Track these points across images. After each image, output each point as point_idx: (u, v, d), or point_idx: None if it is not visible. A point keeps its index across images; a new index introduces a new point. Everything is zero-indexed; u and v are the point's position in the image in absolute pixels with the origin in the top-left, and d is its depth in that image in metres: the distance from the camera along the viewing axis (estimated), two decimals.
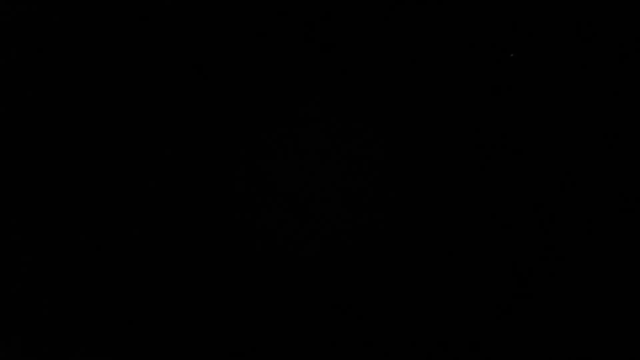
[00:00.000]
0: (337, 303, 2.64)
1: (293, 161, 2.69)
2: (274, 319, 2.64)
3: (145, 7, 2.71)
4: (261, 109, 2.71)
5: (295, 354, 2.62)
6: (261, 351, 2.62)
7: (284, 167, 2.69)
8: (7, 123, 2.70)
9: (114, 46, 2.72)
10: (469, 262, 2.63)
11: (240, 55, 2.72)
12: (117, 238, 2.67)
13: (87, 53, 2.72)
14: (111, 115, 2.71)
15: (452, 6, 2.67)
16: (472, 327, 2.60)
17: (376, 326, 2.62)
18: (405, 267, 2.65)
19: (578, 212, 2.63)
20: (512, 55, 2.60)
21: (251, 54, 2.71)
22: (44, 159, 2.70)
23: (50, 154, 2.70)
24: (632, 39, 2.61)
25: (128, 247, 2.67)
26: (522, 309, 2.60)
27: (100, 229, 2.68)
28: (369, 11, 2.69)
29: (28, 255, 2.67)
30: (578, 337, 2.58)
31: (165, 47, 2.72)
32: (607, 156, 2.63)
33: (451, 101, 2.68)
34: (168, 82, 2.71)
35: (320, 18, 2.70)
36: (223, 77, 2.71)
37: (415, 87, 2.69)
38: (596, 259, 2.60)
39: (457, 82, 2.67)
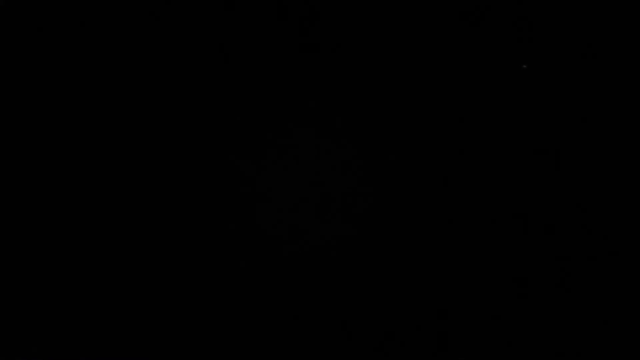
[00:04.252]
0: (335, 306, 2.64)
1: (288, 163, 2.69)
2: (270, 322, 2.64)
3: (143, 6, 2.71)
4: (256, 110, 2.71)
5: (294, 355, 2.62)
6: (259, 353, 2.62)
7: (281, 168, 2.69)
8: (6, 123, 2.70)
9: (111, 45, 2.72)
10: (469, 262, 2.64)
11: (236, 55, 2.72)
12: (115, 239, 2.67)
13: (85, 51, 2.72)
14: (107, 115, 2.71)
15: (463, 15, 2.68)
16: (472, 327, 2.60)
17: (375, 327, 2.62)
18: (404, 269, 2.65)
19: (578, 213, 2.63)
20: (524, 66, 2.60)
21: (247, 54, 2.71)
22: (43, 159, 2.70)
23: (49, 154, 2.70)
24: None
25: (127, 248, 2.67)
26: (522, 309, 2.61)
27: (96, 229, 2.68)
28: (376, 13, 2.70)
29: (28, 256, 2.66)
30: (578, 337, 2.58)
31: (161, 46, 2.72)
32: (609, 161, 2.63)
33: (457, 110, 2.68)
34: (164, 81, 2.71)
35: (318, 18, 2.70)
36: (220, 77, 2.71)
37: (420, 95, 2.69)
38: (596, 259, 2.61)
39: (466, 91, 2.68)
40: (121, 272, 2.66)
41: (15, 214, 2.68)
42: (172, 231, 2.67)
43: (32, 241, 2.67)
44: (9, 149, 2.69)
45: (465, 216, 2.65)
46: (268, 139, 2.69)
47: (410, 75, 2.69)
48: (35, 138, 2.70)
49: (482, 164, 2.66)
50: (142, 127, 2.70)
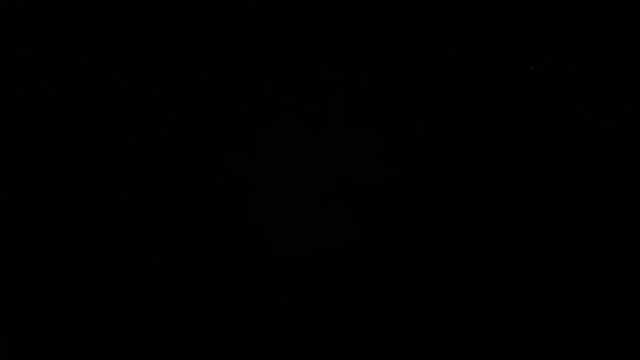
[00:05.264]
0: (334, 304, 2.64)
1: (286, 161, 2.69)
2: (269, 320, 2.64)
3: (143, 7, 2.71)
4: (256, 109, 2.71)
5: (293, 354, 2.62)
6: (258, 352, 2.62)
7: (279, 166, 2.69)
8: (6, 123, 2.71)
9: (112, 45, 2.72)
10: (469, 262, 2.64)
11: (237, 55, 2.72)
12: (113, 238, 2.68)
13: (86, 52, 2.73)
14: (105, 115, 2.71)
15: (471, 17, 2.67)
16: (472, 327, 2.60)
17: (373, 327, 2.62)
18: (403, 269, 2.65)
19: (579, 213, 2.63)
20: (532, 68, 2.60)
21: (248, 54, 2.72)
22: (43, 159, 2.70)
23: (49, 154, 2.70)
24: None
25: (124, 247, 2.67)
26: (522, 309, 2.61)
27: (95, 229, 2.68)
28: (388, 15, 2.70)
29: (28, 256, 2.67)
30: (578, 337, 2.58)
31: (162, 47, 2.72)
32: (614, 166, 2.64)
33: (466, 114, 2.68)
34: (164, 82, 2.72)
35: (319, 18, 2.70)
36: (219, 77, 2.71)
37: (424, 95, 2.69)
38: (596, 259, 2.61)
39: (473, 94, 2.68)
40: (120, 272, 2.66)
41: (15, 214, 2.68)
42: (170, 231, 2.67)
43: (32, 241, 2.68)
44: (8, 149, 2.70)
45: (469, 216, 2.65)
46: (266, 137, 2.70)
47: (414, 76, 2.69)
48: (35, 138, 2.70)
49: (486, 165, 2.66)
50: (140, 126, 2.70)
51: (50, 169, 2.69)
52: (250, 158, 2.68)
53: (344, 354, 2.61)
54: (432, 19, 2.68)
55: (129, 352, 2.62)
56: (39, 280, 2.66)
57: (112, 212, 2.67)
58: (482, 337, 2.59)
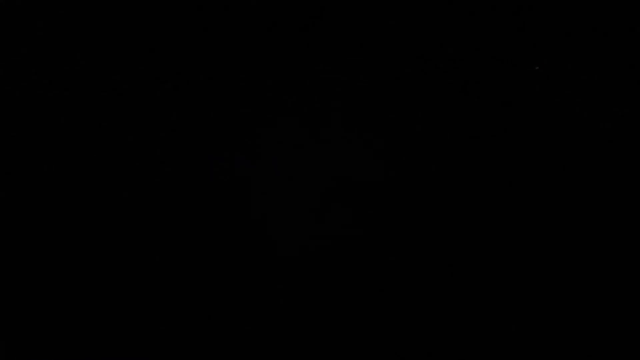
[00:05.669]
0: (332, 304, 2.64)
1: (286, 160, 2.69)
2: (267, 320, 2.64)
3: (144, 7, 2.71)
4: (256, 109, 2.71)
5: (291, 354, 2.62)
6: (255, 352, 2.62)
7: (278, 166, 2.69)
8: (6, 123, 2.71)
9: (112, 45, 2.72)
10: (468, 262, 2.63)
11: (236, 55, 2.72)
12: (112, 238, 2.67)
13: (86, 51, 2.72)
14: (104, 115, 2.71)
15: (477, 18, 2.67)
16: (472, 327, 2.60)
17: (371, 327, 2.62)
18: (402, 269, 2.65)
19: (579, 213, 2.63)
20: (536, 67, 2.60)
21: (247, 53, 2.71)
22: (43, 159, 2.70)
23: (49, 154, 2.70)
24: None
25: (124, 247, 2.67)
26: (522, 309, 2.61)
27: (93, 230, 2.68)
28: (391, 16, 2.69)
29: (28, 256, 2.67)
30: (578, 337, 2.58)
31: (162, 46, 2.72)
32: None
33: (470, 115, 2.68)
34: (164, 82, 2.71)
35: (318, 18, 2.70)
36: (218, 77, 2.71)
37: (426, 95, 2.69)
38: (596, 259, 2.61)
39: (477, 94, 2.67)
40: (120, 271, 2.66)
41: (15, 214, 2.68)
42: (170, 230, 2.67)
43: (32, 241, 2.68)
44: (9, 149, 2.70)
45: (469, 215, 2.65)
46: (266, 137, 2.69)
47: (414, 76, 2.69)
48: (35, 138, 2.70)
49: (485, 165, 2.66)
50: (140, 126, 2.70)
51: (50, 169, 2.69)
52: (250, 158, 2.68)
53: (344, 353, 2.61)
54: (432, 19, 2.68)
55: (129, 352, 2.62)
56: (39, 280, 2.66)
57: (112, 212, 2.67)
58: (482, 337, 2.59)
